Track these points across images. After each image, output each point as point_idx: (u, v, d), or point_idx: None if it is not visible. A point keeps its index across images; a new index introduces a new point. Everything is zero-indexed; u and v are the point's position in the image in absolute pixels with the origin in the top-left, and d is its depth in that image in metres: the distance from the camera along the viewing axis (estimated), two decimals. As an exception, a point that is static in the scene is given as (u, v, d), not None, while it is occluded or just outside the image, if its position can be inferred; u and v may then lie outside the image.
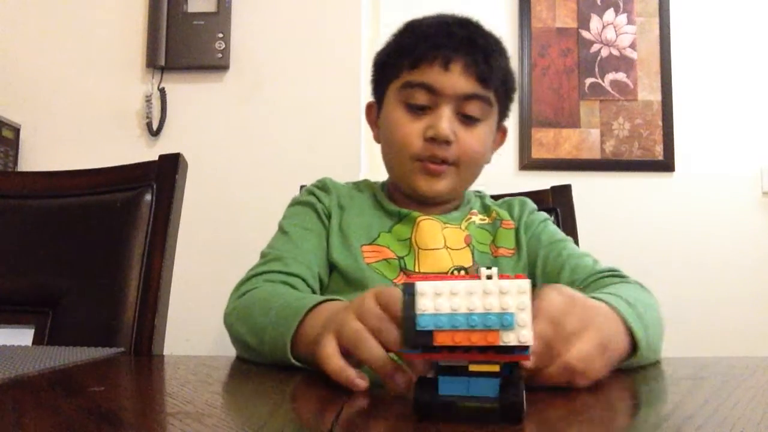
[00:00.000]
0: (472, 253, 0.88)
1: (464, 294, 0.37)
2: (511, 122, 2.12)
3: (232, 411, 0.44)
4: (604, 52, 2.14)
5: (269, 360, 0.66)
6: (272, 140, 1.80)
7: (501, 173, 2.08)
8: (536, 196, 1.17)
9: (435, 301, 0.38)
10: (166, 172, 0.95)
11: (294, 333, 0.62)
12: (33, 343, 0.89)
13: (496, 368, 0.38)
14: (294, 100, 1.78)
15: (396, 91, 0.89)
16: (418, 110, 0.86)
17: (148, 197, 0.93)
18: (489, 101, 0.87)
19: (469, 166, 0.89)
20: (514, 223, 0.93)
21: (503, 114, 0.94)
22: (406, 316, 0.38)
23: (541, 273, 0.89)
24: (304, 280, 0.83)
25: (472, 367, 0.38)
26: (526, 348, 0.37)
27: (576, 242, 1.14)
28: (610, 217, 2.05)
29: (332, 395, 0.49)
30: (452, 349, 0.37)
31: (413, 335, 0.37)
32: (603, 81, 2.13)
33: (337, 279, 0.86)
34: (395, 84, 0.89)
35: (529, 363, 0.42)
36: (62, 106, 1.84)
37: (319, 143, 1.70)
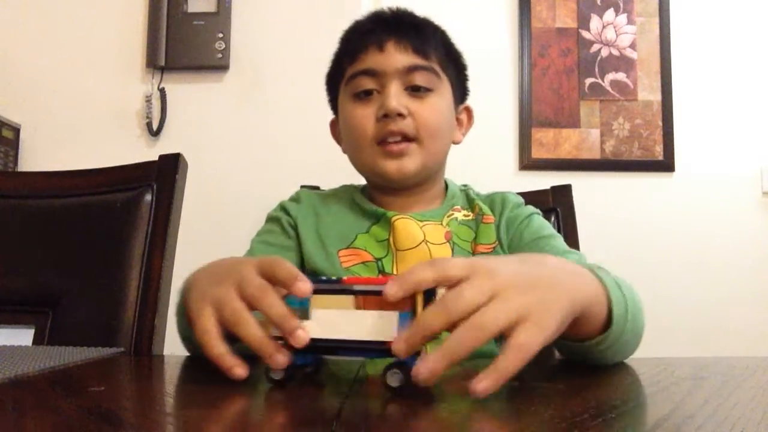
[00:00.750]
0: (452, 250, 0.87)
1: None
2: (511, 122, 2.14)
3: (232, 411, 0.44)
4: (604, 52, 2.14)
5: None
6: (272, 140, 1.80)
7: (501, 173, 2.08)
8: (536, 196, 1.17)
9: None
10: (166, 172, 0.95)
11: (182, 308, 0.62)
12: (33, 343, 0.89)
13: None
14: (294, 100, 1.78)
15: (344, 89, 0.91)
16: (366, 96, 0.88)
17: (148, 197, 0.93)
18: (434, 71, 0.88)
19: (431, 138, 0.88)
20: (494, 218, 0.92)
21: (460, 91, 0.95)
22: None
23: None
24: None
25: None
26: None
27: (576, 242, 1.14)
28: (610, 217, 2.05)
29: (333, 395, 0.49)
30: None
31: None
32: (603, 81, 2.13)
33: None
34: (343, 84, 0.91)
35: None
36: (62, 106, 1.84)
37: (319, 143, 1.69)
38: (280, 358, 0.47)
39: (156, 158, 0.97)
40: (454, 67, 0.93)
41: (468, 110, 0.99)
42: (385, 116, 0.85)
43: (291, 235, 0.91)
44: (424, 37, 0.88)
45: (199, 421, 0.40)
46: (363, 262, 0.86)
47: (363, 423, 0.41)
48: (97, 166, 0.99)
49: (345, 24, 0.95)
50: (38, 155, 1.81)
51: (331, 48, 0.96)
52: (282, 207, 0.95)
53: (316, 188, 1.36)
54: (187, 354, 0.73)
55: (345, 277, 0.49)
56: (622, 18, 2.15)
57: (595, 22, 2.16)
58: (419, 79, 0.86)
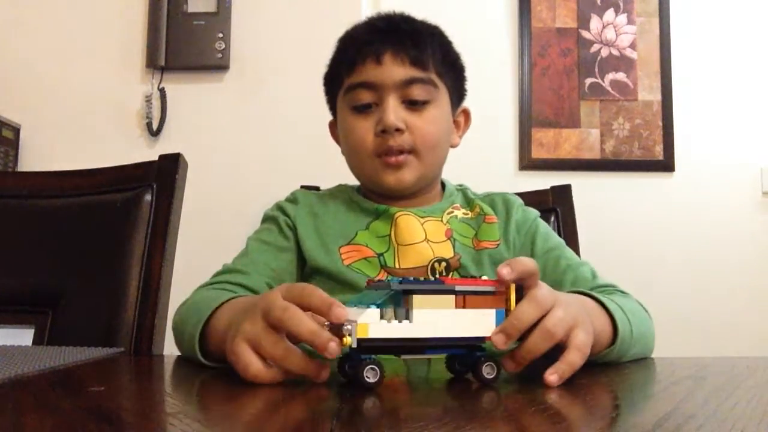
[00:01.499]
0: (453, 246, 0.88)
1: None
2: (511, 122, 2.13)
3: (232, 411, 0.44)
4: (604, 52, 2.14)
5: (194, 359, 0.64)
6: (272, 140, 1.80)
7: (501, 173, 2.08)
8: (536, 196, 1.17)
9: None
10: (166, 172, 0.95)
11: (202, 330, 0.63)
12: (33, 343, 0.89)
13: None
14: (294, 100, 1.78)
15: (342, 98, 0.91)
16: (365, 109, 0.88)
17: (148, 197, 0.93)
18: (432, 83, 0.88)
19: (429, 151, 0.89)
20: (497, 218, 0.92)
21: (457, 95, 0.95)
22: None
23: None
24: (251, 289, 0.82)
25: None
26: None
27: (576, 242, 1.14)
28: (610, 217, 2.05)
29: (333, 395, 0.49)
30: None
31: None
32: (603, 81, 2.13)
33: (323, 281, 0.86)
34: (341, 93, 0.91)
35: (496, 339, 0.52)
36: (62, 106, 1.84)
37: (319, 143, 1.70)
38: (333, 347, 0.48)
39: (156, 158, 0.97)
40: (452, 71, 0.93)
41: (465, 112, 0.99)
42: (383, 131, 0.85)
43: (288, 236, 0.91)
44: (421, 46, 0.87)
45: (198, 421, 0.40)
46: (365, 258, 0.86)
47: (363, 423, 0.41)
48: (97, 166, 0.99)
49: (345, 24, 0.95)
50: (38, 155, 1.81)
51: (331, 48, 0.96)
52: (279, 207, 0.95)
53: (316, 188, 1.36)
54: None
55: (445, 278, 0.54)
56: (622, 18, 2.15)
57: (595, 22, 2.16)
58: (417, 91, 0.87)
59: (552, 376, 0.52)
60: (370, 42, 0.87)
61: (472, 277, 0.55)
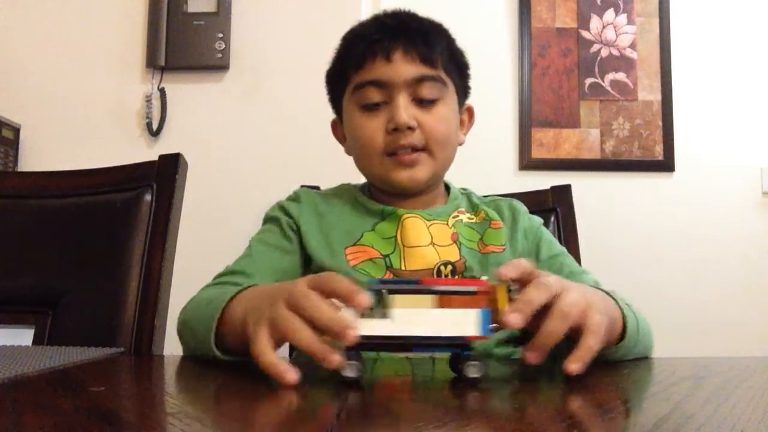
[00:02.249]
0: (459, 249, 0.88)
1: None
2: (511, 122, 2.13)
3: (232, 411, 0.44)
4: (604, 52, 2.14)
5: (208, 355, 0.64)
6: (272, 140, 1.80)
7: (501, 173, 2.08)
8: (536, 196, 1.17)
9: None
10: (166, 172, 0.95)
11: (217, 325, 0.63)
12: (33, 343, 0.89)
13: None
14: (294, 100, 1.78)
15: (350, 97, 0.90)
16: (374, 107, 0.87)
17: (148, 197, 0.93)
18: (441, 80, 0.88)
19: (441, 148, 0.89)
20: (502, 223, 0.92)
21: (463, 93, 0.95)
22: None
23: None
24: None
25: None
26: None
27: (576, 242, 1.14)
28: (610, 217, 2.05)
29: (332, 395, 0.49)
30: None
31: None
32: (603, 81, 2.13)
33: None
34: (348, 91, 0.90)
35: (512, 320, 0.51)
36: (62, 106, 1.84)
37: (319, 143, 1.70)
38: (334, 358, 0.50)
39: (156, 158, 0.97)
40: (458, 69, 0.93)
41: (469, 110, 0.99)
42: (395, 129, 0.85)
43: (291, 237, 0.90)
44: (431, 44, 0.87)
45: (198, 421, 0.40)
46: (371, 259, 0.86)
47: (363, 423, 0.41)
48: (97, 166, 0.99)
49: (345, 24, 0.95)
50: (38, 155, 1.81)
51: (332, 48, 0.96)
52: (281, 207, 0.94)
53: (316, 188, 1.36)
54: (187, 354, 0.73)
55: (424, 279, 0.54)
56: (622, 18, 2.15)
57: (595, 22, 2.16)
58: (427, 90, 0.86)
59: (573, 365, 0.52)
60: (380, 39, 0.87)
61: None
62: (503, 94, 2.13)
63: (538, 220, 0.97)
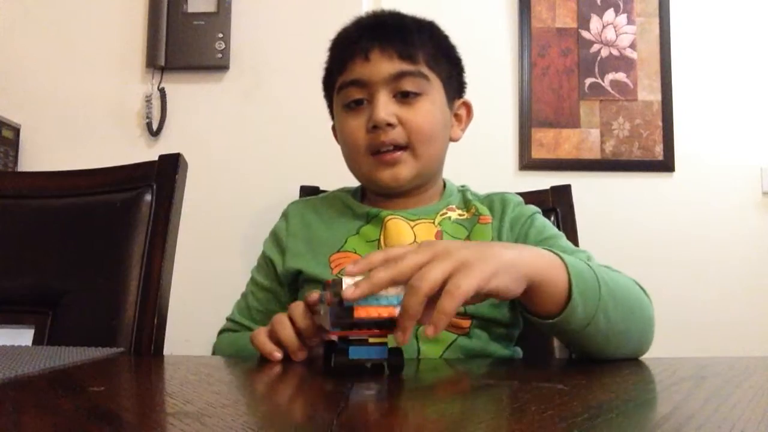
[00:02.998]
0: None
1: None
2: (511, 122, 2.13)
3: (232, 411, 0.44)
4: (604, 52, 2.14)
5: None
6: (272, 140, 1.80)
7: (501, 173, 2.08)
8: (536, 196, 1.17)
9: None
10: (166, 172, 0.95)
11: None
12: (33, 343, 0.89)
13: (385, 339, 0.54)
14: (294, 100, 1.78)
15: (336, 99, 0.92)
16: (357, 107, 0.88)
17: (148, 197, 0.93)
18: (422, 75, 0.88)
19: (424, 145, 0.88)
20: (492, 218, 0.92)
21: (455, 88, 0.94)
22: (337, 299, 0.53)
23: None
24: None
25: (371, 340, 0.54)
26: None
27: (576, 242, 1.14)
28: (610, 217, 2.05)
29: (332, 395, 0.49)
30: (360, 326, 0.53)
31: (339, 311, 0.53)
32: (603, 81, 2.13)
33: (316, 289, 0.87)
34: (335, 93, 0.92)
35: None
36: (62, 106, 1.84)
37: (319, 143, 1.70)
38: (300, 355, 0.66)
39: (156, 158, 0.97)
40: (446, 62, 0.92)
41: (467, 105, 0.98)
42: (375, 127, 0.85)
43: (272, 276, 0.94)
44: (409, 40, 0.87)
45: (199, 421, 0.40)
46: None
47: (363, 423, 0.41)
48: (97, 166, 0.99)
49: (345, 24, 0.95)
50: (38, 155, 1.81)
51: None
52: (271, 235, 0.97)
53: (316, 188, 1.36)
54: (187, 354, 0.73)
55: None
56: (622, 18, 2.15)
57: (595, 22, 2.16)
58: (407, 84, 0.86)
59: (427, 329, 0.53)
60: (358, 40, 0.88)
61: None
62: (503, 94, 2.13)
63: (531, 208, 0.94)
